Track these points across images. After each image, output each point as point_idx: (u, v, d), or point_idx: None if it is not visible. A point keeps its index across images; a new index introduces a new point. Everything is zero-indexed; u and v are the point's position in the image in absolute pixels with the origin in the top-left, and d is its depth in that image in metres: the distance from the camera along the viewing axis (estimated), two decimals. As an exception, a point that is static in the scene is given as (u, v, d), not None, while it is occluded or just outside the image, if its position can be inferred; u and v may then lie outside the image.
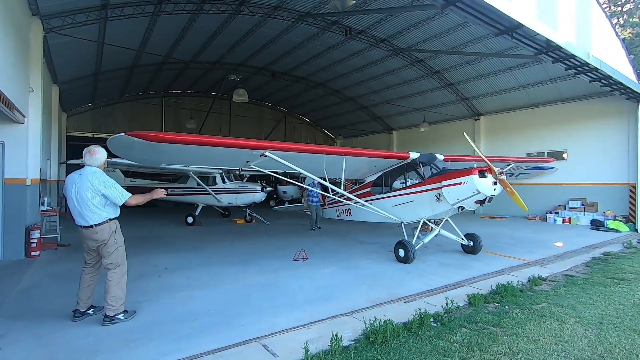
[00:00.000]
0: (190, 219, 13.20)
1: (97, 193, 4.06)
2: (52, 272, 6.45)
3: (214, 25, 12.73)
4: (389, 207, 8.17)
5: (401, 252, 7.29)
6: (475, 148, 7.20)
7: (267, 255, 8.05)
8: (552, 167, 14.84)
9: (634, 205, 12.69)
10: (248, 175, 17.32)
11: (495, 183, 6.59)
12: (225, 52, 15.62)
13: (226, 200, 13.67)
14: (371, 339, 3.83)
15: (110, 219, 4.21)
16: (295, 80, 19.78)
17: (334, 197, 9.08)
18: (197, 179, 13.15)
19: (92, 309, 4.36)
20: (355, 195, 8.54)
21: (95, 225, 4.11)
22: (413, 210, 7.80)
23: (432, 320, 4.39)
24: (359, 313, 4.67)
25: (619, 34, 15.70)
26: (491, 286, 5.69)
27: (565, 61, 9.59)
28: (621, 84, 11.39)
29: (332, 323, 4.34)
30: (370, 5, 11.52)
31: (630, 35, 21.28)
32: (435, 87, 17.69)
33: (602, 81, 11.21)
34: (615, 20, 19.60)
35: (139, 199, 4.29)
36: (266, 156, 5.99)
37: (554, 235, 11.19)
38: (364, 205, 8.19)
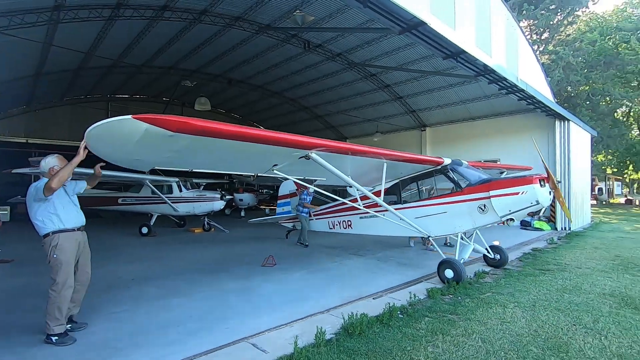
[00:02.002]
0: (144, 229, 12.71)
1: (32, 203, 3.99)
2: (5, 289, 6.03)
3: (172, 32, 12.55)
4: (410, 219, 7.02)
5: (449, 273, 6.26)
6: (538, 151, 7.00)
7: (235, 262, 8.17)
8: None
9: (554, 208, 14.68)
10: (205, 184, 17.10)
11: (550, 193, 6.15)
12: (182, 58, 15.35)
13: (184, 209, 13.40)
14: (350, 332, 4.27)
15: (54, 232, 4.01)
16: (251, 88, 19.89)
17: (356, 205, 7.39)
18: (153, 187, 12.75)
19: (69, 324, 4.24)
20: (356, 205, 7.33)
21: (42, 237, 4.07)
22: (447, 223, 6.85)
23: (399, 312, 4.96)
24: (334, 310, 5.10)
25: (539, 59, 18.15)
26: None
27: (499, 82, 11.03)
28: (542, 102, 13.25)
29: (311, 320, 4.71)
30: (328, 23, 12.17)
31: (548, 60, 24.65)
32: (386, 99, 18.89)
33: (527, 100, 12.97)
34: (535, 47, 22.46)
35: (60, 174, 3.81)
36: (308, 158, 5.04)
37: (491, 235, 12.48)
38: (391, 214, 6.94)
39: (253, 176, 7.81)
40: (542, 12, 25.64)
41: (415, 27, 7.04)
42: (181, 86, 18.60)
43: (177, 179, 13.65)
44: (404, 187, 7.66)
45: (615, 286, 6.22)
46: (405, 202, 7.48)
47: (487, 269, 7.52)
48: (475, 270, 7.17)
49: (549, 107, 13.71)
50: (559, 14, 26.84)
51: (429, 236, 7.22)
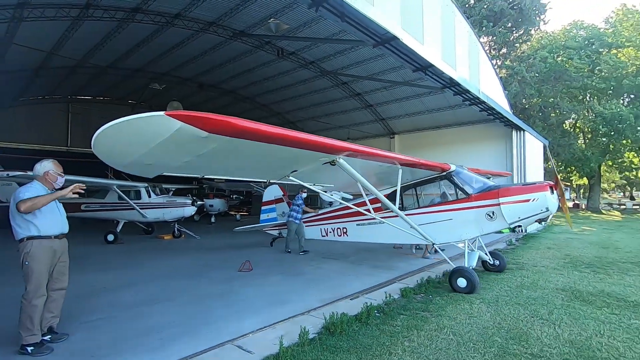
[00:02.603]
0: (110, 237, 12.24)
1: (13, 205, 3.88)
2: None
3: (143, 34, 12.29)
4: (415, 225, 6.82)
5: (462, 282, 6.07)
6: (550, 158, 7.04)
7: (211, 268, 8.13)
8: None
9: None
10: (174, 189, 16.71)
11: (557, 200, 6.23)
12: (151, 60, 14.99)
13: (153, 215, 13.05)
14: (331, 330, 4.46)
15: (28, 238, 3.87)
16: (223, 92, 19.74)
17: (361, 210, 7.20)
18: (120, 192, 12.31)
19: (50, 335, 4.09)
20: (354, 211, 7.40)
21: (18, 242, 3.97)
22: (452, 230, 6.77)
23: (376, 311, 5.22)
24: (314, 311, 5.27)
25: (498, 73, 19.49)
26: (417, 281, 6.81)
27: (463, 94, 11.78)
28: (500, 114, 14.27)
29: (293, 322, 4.85)
30: (302, 32, 12.42)
31: (506, 74, 26.50)
32: (357, 107, 19.44)
33: (488, 111, 13.92)
34: (494, 62, 24.00)
35: (35, 202, 3.76)
36: (334, 163, 5.00)
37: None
38: (392, 222, 6.77)
39: (265, 183, 7.32)
40: (500, 29, 27.61)
41: (388, 41, 7.47)
42: (149, 89, 18.14)
43: (145, 184, 13.29)
44: (406, 193, 7.47)
45: (566, 282, 6.87)
46: (406, 208, 7.28)
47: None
48: (443, 271, 7.62)
49: (507, 118, 14.77)
50: (515, 32, 29.01)
51: (433, 244, 7.06)
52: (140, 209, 12.65)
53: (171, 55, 14.51)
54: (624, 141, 27.98)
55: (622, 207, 32.63)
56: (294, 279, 7.26)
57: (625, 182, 52.59)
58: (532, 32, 30.33)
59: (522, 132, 15.81)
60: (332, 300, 5.81)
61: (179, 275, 7.43)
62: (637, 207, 32.01)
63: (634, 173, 39.10)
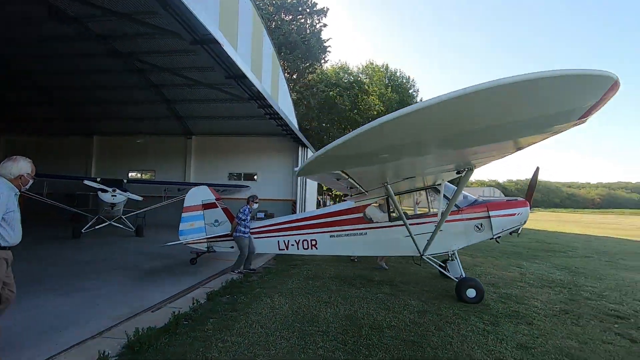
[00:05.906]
0: None
1: None
2: None
3: None
4: (399, 237, 6.86)
5: (472, 292, 6.12)
6: (537, 172, 7.41)
7: None
8: (247, 187, 18.58)
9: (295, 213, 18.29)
10: None
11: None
12: None
13: None
14: (136, 349, 3.99)
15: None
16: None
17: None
18: None
19: None
20: (326, 221, 7.25)
21: None
22: (442, 241, 6.80)
23: (184, 320, 5.02)
24: (109, 332, 4.54)
25: (291, 95, 22.36)
26: (221, 283, 6.95)
27: (265, 108, 12.90)
28: (291, 130, 16.45)
29: (81, 349, 4.03)
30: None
31: (295, 98, 30.75)
32: (153, 100, 17.61)
33: (283, 127, 15.76)
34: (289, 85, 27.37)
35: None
36: (460, 172, 4.99)
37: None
38: (373, 232, 6.87)
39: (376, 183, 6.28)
40: (294, 58, 31.91)
41: (207, 43, 7.34)
42: None
43: None
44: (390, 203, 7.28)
45: (336, 271, 8.70)
46: (395, 219, 7.14)
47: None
48: (244, 272, 8.09)
49: (296, 135, 17.19)
50: (304, 62, 34.14)
51: (421, 255, 6.96)
52: None
53: None
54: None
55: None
56: (72, 297, 5.90)
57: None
58: (317, 66, 36.57)
59: (306, 148, 18.76)
60: (129, 315, 5.15)
61: None
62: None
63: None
